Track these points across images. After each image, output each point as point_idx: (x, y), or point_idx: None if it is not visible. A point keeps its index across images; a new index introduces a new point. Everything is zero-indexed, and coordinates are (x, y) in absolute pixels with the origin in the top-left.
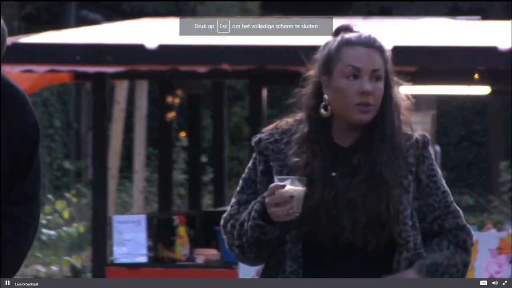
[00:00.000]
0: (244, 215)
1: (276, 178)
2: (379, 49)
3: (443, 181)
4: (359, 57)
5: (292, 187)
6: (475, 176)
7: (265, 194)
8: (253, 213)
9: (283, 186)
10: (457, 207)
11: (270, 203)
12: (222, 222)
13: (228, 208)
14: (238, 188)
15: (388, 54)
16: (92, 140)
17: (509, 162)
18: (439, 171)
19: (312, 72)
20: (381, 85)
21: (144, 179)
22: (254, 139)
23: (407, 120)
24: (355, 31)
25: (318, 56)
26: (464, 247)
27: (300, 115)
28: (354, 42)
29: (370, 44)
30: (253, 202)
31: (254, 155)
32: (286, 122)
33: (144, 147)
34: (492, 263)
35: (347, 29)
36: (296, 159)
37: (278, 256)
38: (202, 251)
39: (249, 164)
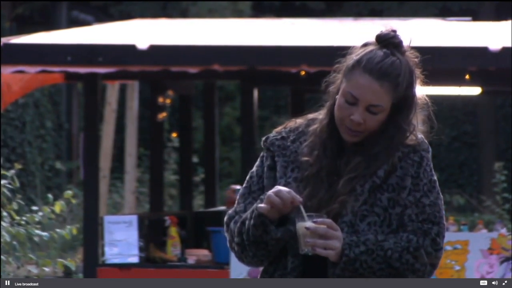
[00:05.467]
0: (247, 213)
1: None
2: (392, 81)
3: (433, 193)
4: (362, 87)
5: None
6: (466, 177)
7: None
8: (256, 211)
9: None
10: (440, 224)
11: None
12: (226, 218)
13: (235, 204)
14: (244, 185)
15: (406, 81)
16: (84, 141)
17: (503, 163)
18: (432, 179)
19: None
20: (377, 117)
21: (136, 180)
22: (263, 138)
23: (415, 134)
24: (381, 54)
25: (345, 60)
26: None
27: (312, 115)
28: (367, 69)
29: (383, 75)
30: (258, 200)
31: (261, 153)
32: (295, 122)
33: (136, 147)
34: (484, 263)
35: (387, 40)
36: (306, 158)
37: (278, 253)
38: (193, 252)
39: (257, 162)
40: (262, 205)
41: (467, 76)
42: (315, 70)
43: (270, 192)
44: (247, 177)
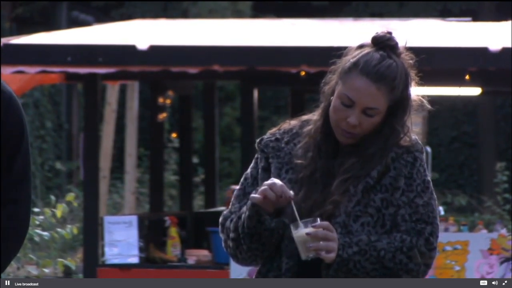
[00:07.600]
0: (243, 208)
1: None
2: (389, 84)
3: (426, 193)
4: (359, 89)
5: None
6: (466, 177)
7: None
8: (250, 201)
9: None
10: (433, 224)
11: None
12: (221, 219)
13: (230, 206)
14: (239, 186)
15: (402, 83)
16: (84, 141)
17: (505, 163)
18: (426, 180)
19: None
20: (373, 119)
21: (136, 180)
22: (257, 139)
23: (410, 136)
24: (378, 56)
25: (340, 61)
26: (424, 238)
27: (306, 116)
28: (364, 71)
29: (380, 78)
30: (254, 191)
31: (256, 154)
32: (288, 123)
33: (136, 148)
34: (484, 263)
35: (384, 43)
36: (300, 161)
37: (271, 253)
38: (193, 252)
39: (251, 164)
40: (255, 195)
41: (467, 77)
42: (315, 71)
43: (265, 183)
44: (242, 179)
